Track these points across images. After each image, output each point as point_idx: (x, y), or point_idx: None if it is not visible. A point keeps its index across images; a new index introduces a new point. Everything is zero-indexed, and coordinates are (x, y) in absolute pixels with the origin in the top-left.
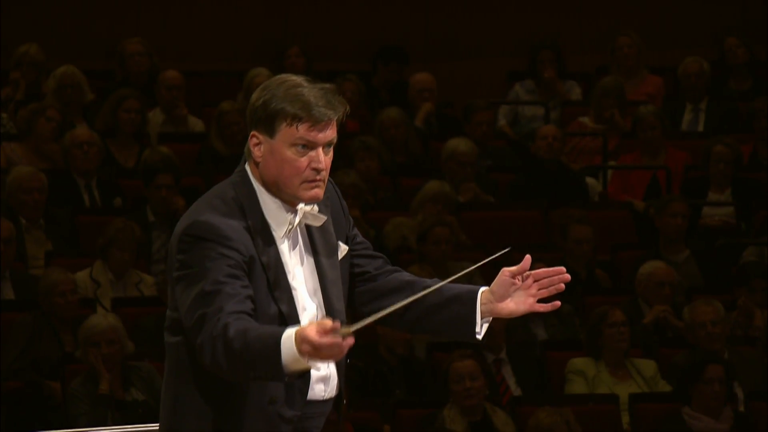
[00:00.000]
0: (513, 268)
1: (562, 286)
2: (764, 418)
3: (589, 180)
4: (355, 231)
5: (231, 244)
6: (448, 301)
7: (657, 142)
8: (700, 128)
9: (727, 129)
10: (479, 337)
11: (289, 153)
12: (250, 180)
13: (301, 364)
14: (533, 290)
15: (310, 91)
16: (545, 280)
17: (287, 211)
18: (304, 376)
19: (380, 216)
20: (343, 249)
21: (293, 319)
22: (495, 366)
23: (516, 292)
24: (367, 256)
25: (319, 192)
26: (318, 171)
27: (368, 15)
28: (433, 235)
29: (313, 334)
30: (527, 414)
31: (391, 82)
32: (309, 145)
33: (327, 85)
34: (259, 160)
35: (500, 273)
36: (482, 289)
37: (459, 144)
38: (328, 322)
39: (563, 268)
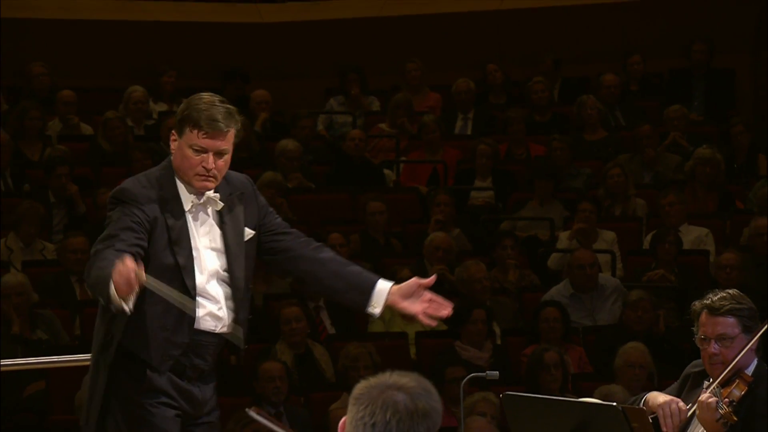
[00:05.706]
0: (424, 281)
1: (445, 313)
2: (514, 348)
3: (386, 171)
4: (272, 218)
5: (138, 206)
6: (352, 287)
7: (436, 142)
8: (469, 132)
9: (489, 132)
10: (376, 311)
11: (188, 152)
12: (171, 166)
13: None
14: (426, 304)
15: (215, 108)
16: (436, 303)
17: (190, 192)
18: (124, 311)
19: None
20: (248, 233)
21: (189, 270)
22: (315, 311)
23: (417, 298)
24: (283, 233)
25: (207, 185)
26: (207, 170)
27: (218, 43)
28: None
29: (118, 267)
30: (339, 347)
31: (236, 97)
32: (201, 150)
33: (231, 107)
34: (172, 152)
35: (413, 279)
36: (392, 284)
37: (288, 144)
38: (129, 265)
39: (451, 305)
